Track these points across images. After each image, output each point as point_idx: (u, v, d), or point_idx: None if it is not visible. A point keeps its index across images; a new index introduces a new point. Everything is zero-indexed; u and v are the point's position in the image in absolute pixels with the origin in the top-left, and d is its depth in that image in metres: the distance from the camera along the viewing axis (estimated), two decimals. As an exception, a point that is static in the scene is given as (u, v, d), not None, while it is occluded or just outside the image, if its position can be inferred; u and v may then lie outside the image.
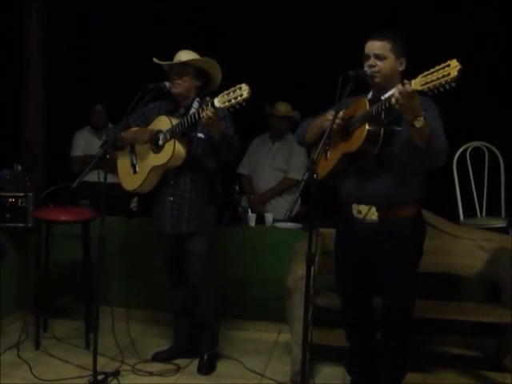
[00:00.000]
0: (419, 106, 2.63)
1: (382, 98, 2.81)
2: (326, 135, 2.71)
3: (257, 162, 5.16)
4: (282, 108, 5.04)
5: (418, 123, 2.63)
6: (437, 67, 2.51)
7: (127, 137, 3.65)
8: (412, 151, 2.77)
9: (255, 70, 4.95)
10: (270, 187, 5.04)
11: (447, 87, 2.49)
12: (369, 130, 2.83)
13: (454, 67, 2.46)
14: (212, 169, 3.68)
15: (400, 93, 2.58)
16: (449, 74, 2.46)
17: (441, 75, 2.49)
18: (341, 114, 2.90)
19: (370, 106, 2.86)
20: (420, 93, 2.59)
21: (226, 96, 3.18)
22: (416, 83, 2.57)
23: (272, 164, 5.08)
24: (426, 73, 2.55)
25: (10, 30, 5.03)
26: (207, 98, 3.35)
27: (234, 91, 3.14)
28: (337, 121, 2.88)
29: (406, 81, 2.62)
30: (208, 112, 3.24)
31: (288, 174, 5.01)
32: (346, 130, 2.96)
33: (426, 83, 2.53)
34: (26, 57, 4.83)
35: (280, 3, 5.22)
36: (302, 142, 3.31)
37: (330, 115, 2.96)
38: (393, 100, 2.64)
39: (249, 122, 4.73)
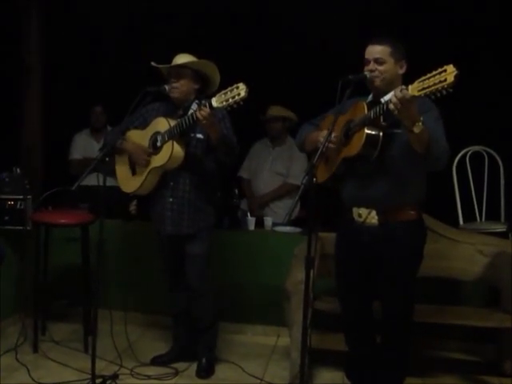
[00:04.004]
0: (417, 111, 2.62)
1: (382, 100, 2.81)
2: (317, 155, 2.68)
3: (257, 165, 5.16)
4: (274, 110, 5.05)
5: (417, 129, 2.62)
6: (433, 72, 2.50)
7: (126, 148, 3.65)
8: (412, 154, 2.77)
9: (256, 73, 4.96)
10: (270, 191, 5.04)
11: (444, 93, 2.47)
12: (368, 134, 2.82)
13: (450, 72, 2.44)
14: (211, 170, 3.67)
15: (399, 99, 2.57)
16: (445, 80, 2.45)
17: (437, 80, 2.47)
18: (333, 136, 2.89)
19: (369, 109, 2.86)
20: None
21: (223, 96, 3.18)
22: (413, 88, 2.56)
23: (272, 168, 5.08)
24: (422, 78, 2.54)
25: (10, 32, 5.02)
26: (204, 102, 3.34)
27: (231, 91, 3.14)
28: (330, 145, 2.87)
29: (403, 86, 2.62)
30: (203, 112, 3.24)
31: (288, 179, 5.01)
32: (345, 134, 2.96)
33: (423, 89, 2.52)
34: (25, 59, 4.82)
35: (281, 5, 5.23)
36: (302, 149, 3.33)
37: (323, 135, 2.94)
38: (391, 105, 2.63)
39: (250, 126, 4.74)
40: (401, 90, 2.58)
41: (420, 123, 2.61)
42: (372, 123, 2.83)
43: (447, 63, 2.47)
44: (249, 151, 5.21)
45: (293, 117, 5.01)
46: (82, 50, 5.75)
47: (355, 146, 2.88)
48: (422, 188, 3.01)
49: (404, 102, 2.57)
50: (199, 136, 3.57)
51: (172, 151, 3.47)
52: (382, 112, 2.76)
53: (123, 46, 5.68)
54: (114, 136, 3.59)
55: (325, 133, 2.91)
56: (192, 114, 3.37)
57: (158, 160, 3.53)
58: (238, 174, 5.23)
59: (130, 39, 5.61)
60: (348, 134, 2.95)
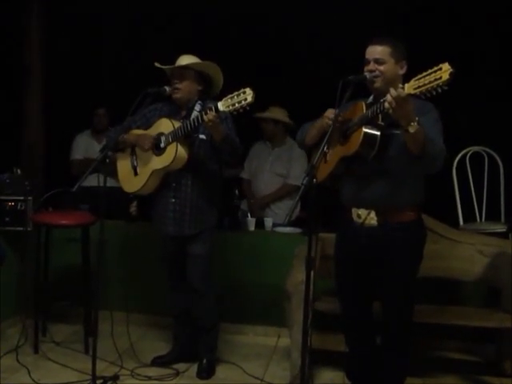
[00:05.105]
0: (413, 111, 2.63)
1: (381, 100, 2.81)
2: (327, 135, 2.70)
3: (257, 166, 5.16)
4: (268, 111, 5.02)
5: (412, 128, 2.62)
6: (429, 71, 2.52)
7: (129, 139, 3.65)
8: (410, 155, 2.77)
9: (257, 74, 4.96)
10: (270, 192, 5.05)
11: (439, 91, 2.49)
12: (365, 134, 2.82)
13: (445, 70, 2.46)
14: (213, 170, 3.68)
15: (394, 97, 2.58)
16: (440, 78, 2.46)
17: (433, 79, 2.49)
18: (341, 115, 2.90)
19: (367, 109, 2.87)
20: (418, 96, 2.59)
21: (229, 100, 3.18)
22: (409, 87, 2.57)
23: (271, 169, 5.08)
24: (418, 76, 2.56)
25: (10, 33, 5.03)
26: (209, 105, 3.35)
27: (238, 95, 3.15)
28: (339, 118, 2.88)
29: (400, 85, 2.63)
30: (210, 116, 3.24)
31: (288, 180, 5.01)
32: (343, 134, 2.96)
33: (419, 87, 2.54)
34: (26, 59, 4.83)
35: (281, 6, 5.23)
36: (303, 144, 3.30)
37: (329, 114, 2.95)
38: (386, 104, 2.64)
39: (250, 127, 4.74)
40: (396, 89, 2.59)
41: (415, 123, 2.62)
42: (370, 122, 2.83)
43: (446, 62, 2.49)
44: (249, 152, 5.21)
45: (285, 120, 5.00)
46: (83, 51, 5.75)
47: (353, 144, 2.88)
48: (420, 189, 3.01)
49: (399, 100, 2.58)
50: (202, 137, 3.57)
51: (176, 153, 3.47)
52: (379, 111, 2.76)
53: (125, 46, 5.68)
54: (117, 132, 3.59)
55: (328, 114, 2.92)
56: (197, 117, 3.37)
57: (162, 161, 3.53)
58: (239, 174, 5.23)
59: (131, 40, 5.62)
60: (346, 134, 2.95)
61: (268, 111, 5.05)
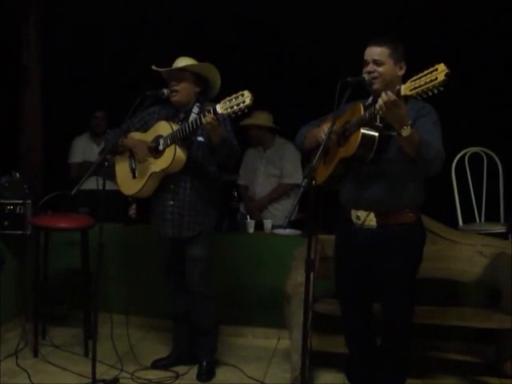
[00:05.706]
0: (405, 114, 2.62)
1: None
2: (320, 151, 2.69)
3: (251, 171, 5.16)
4: (251, 117, 4.99)
5: (405, 132, 2.62)
6: (425, 72, 2.52)
7: (127, 144, 3.65)
8: (409, 157, 2.77)
9: (256, 77, 4.97)
10: (267, 194, 5.04)
11: (436, 91, 2.49)
12: (363, 135, 2.82)
13: (441, 71, 2.46)
14: (212, 172, 3.68)
15: (384, 102, 2.58)
16: (436, 79, 2.46)
17: (429, 80, 2.49)
18: (335, 127, 2.89)
19: (365, 110, 2.87)
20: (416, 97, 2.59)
21: (228, 102, 3.18)
22: (405, 88, 2.58)
23: (266, 171, 5.08)
24: (414, 77, 2.56)
25: (9, 37, 5.03)
26: (207, 107, 3.35)
27: (236, 98, 3.15)
28: (333, 136, 2.87)
29: (397, 86, 2.63)
30: (208, 118, 3.24)
31: (282, 179, 5.01)
32: (342, 136, 2.96)
33: (415, 88, 2.54)
34: (24, 64, 4.83)
35: (277, 10, 5.24)
36: (302, 149, 3.32)
37: (324, 129, 2.95)
38: (377, 107, 2.63)
39: (242, 134, 4.74)
40: (386, 93, 2.59)
41: (408, 127, 2.62)
42: (368, 124, 2.83)
43: (446, 63, 2.48)
44: (242, 159, 5.19)
45: (266, 124, 4.99)
46: (81, 55, 5.75)
47: (352, 146, 2.87)
48: (420, 190, 3.00)
49: (388, 105, 2.58)
50: (200, 139, 3.58)
51: (174, 155, 3.47)
52: (376, 112, 2.76)
53: (123, 49, 5.68)
54: (116, 136, 3.59)
55: (325, 128, 2.92)
56: (196, 119, 3.37)
57: (160, 164, 3.53)
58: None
59: (129, 42, 5.62)
60: (345, 135, 2.95)
61: (251, 117, 5.00)
